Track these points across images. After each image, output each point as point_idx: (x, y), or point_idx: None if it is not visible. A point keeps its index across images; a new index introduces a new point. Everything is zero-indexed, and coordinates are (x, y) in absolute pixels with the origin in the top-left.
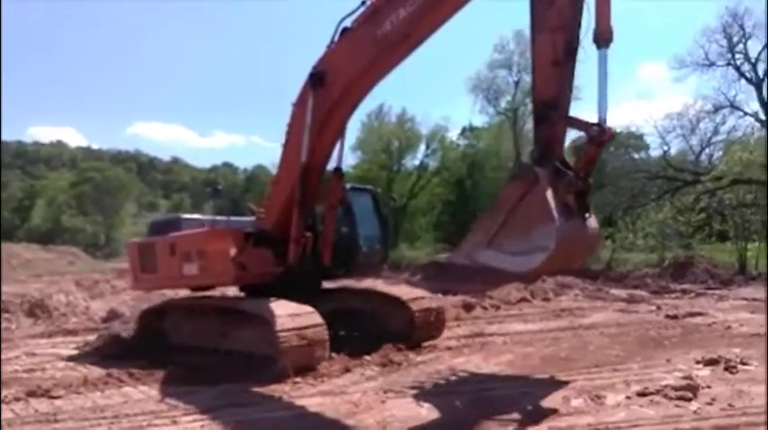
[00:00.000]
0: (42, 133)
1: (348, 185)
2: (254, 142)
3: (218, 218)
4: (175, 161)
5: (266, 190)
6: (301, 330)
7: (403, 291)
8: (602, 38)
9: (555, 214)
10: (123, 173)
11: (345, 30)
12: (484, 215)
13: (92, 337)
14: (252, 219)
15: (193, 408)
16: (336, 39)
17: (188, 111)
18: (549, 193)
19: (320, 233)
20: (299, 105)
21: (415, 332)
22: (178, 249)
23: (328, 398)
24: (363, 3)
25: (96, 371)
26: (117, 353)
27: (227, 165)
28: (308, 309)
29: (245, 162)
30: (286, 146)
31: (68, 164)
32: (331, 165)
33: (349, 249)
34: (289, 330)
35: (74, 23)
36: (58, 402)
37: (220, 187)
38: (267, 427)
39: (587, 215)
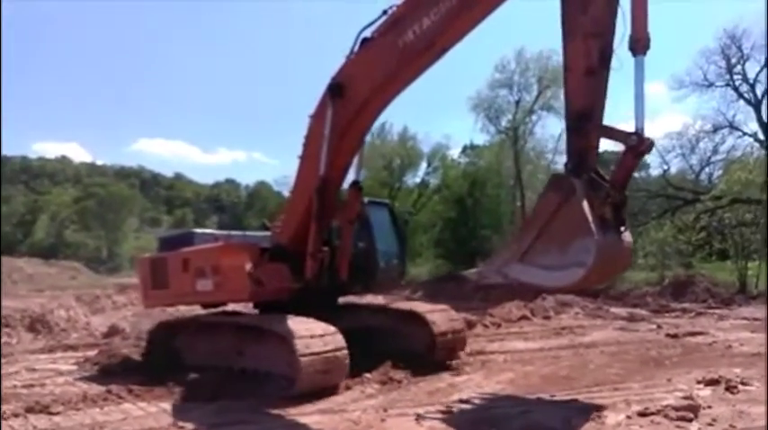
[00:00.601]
0: (47, 149)
1: (365, 199)
2: (255, 158)
3: (233, 232)
4: (178, 177)
5: (269, 206)
6: (322, 351)
7: (423, 307)
8: (639, 44)
9: (593, 227)
10: (126, 188)
11: (365, 40)
12: (517, 228)
13: (92, 353)
14: (266, 234)
15: (192, 425)
16: (356, 49)
17: (191, 127)
18: (587, 205)
19: (337, 248)
20: (317, 117)
21: (436, 351)
22: (191, 264)
23: (327, 416)
24: (385, 12)
25: (96, 388)
26: (125, 373)
27: (229, 181)
28: (331, 328)
29: (247, 178)
30: (303, 158)
31: (72, 179)
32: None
33: (367, 265)
34: (309, 351)
35: (78, 40)
36: (56, 418)
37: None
38: None
39: (622, 229)
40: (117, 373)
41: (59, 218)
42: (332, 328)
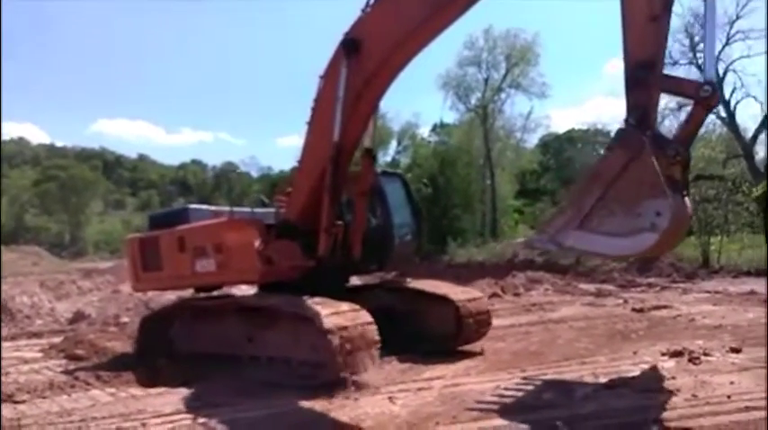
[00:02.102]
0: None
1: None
2: (222, 139)
3: (237, 209)
4: (142, 158)
5: (237, 187)
6: (355, 333)
7: (443, 287)
8: None
9: (666, 188)
10: (88, 170)
11: None
12: (574, 190)
13: (57, 340)
14: (269, 210)
15: (164, 410)
16: (372, 1)
17: (153, 107)
18: (657, 164)
19: (349, 223)
20: (329, 77)
21: (462, 332)
22: (189, 243)
23: (302, 397)
24: None
25: (62, 375)
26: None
27: (195, 162)
28: (357, 308)
29: (213, 159)
30: (312, 125)
31: (31, 161)
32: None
33: (382, 241)
34: (342, 333)
35: (32, 17)
36: (21, 407)
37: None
38: (241, 427)
39: (684, 192)
40: (100, 364)
41: (19, 201)
42: (357, 307)
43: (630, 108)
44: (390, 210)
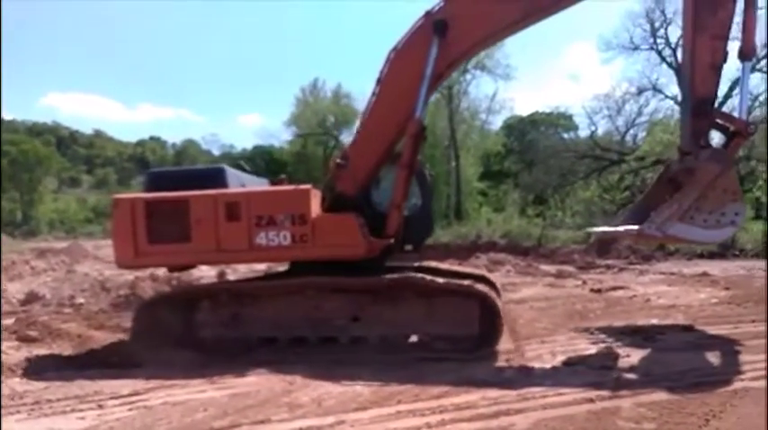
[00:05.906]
0: None
1: None
2: (182, 116)
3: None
4: (98, 134)
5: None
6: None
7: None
8: (748, 53)
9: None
10: (41, 146)
11: None
12: (676, 193)
13: (9, 321)
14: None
15: (122, 391)
16: None
17: (110, 81)
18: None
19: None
20: (413, 52)
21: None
22: (247, 211)
23: (263, 377)
24: None
25: (15, 356)
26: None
27: (154, 139)
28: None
29: (173, 136)
30: (382, 98)
31: None
32: None
33: (421, 222)
34: (502, 310)
35: None
36: None
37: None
38: (196, 407)
39: None
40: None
41: None
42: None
43: (695, 133)
44: (430, 192)
